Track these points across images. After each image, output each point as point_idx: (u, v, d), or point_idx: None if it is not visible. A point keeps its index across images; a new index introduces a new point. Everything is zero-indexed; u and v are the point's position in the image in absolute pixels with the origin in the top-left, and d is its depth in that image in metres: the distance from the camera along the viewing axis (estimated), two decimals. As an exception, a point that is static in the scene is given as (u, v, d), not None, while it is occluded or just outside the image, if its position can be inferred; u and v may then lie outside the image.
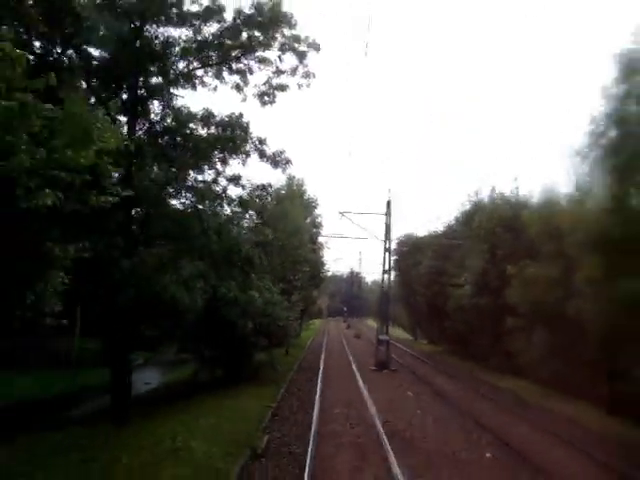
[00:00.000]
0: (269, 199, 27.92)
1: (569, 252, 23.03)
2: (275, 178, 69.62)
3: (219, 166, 25.78)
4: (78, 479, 12.07)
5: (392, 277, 73.30)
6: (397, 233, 75.45)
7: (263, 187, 27.51)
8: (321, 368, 34.30)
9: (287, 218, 33.97)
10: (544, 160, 40.59)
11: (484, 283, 35.96)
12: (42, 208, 7.35)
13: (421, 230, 58.92)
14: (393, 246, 54.30)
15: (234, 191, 26.07)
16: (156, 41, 23.53)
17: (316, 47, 26.29)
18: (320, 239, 56.80)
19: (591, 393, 23.69)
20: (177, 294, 18.60)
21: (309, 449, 14.66)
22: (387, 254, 39.04)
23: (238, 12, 25.20)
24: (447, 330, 46.87)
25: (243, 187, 25.81)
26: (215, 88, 26.03)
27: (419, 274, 56.33)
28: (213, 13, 25.13)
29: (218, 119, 25.53)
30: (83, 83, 18.86)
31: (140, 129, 23.05)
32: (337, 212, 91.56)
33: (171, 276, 19.25)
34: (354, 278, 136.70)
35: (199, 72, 25.43)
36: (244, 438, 15.64)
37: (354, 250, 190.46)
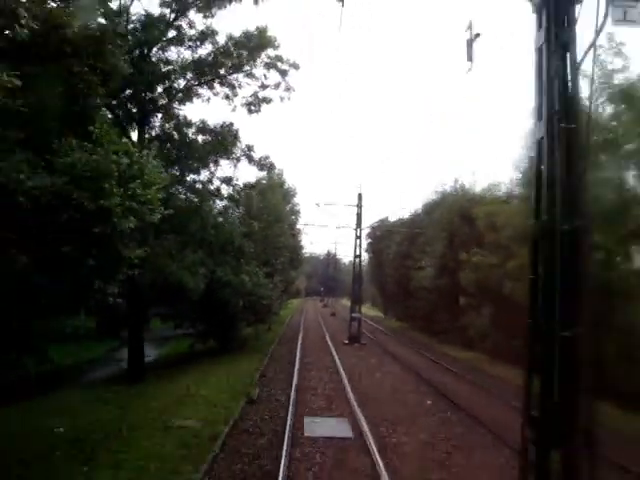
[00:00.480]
0: (254, 195, 32.53)
1: (504, 243, 27.89)
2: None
3: (213, 168, 30.30)
4: (123, 415, 16.47)
5: (366, 259, 78.51)
6: (374, 218, 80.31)
7: (250, 186, 32.15)
8: (299, 341, 38.89)
9: (269, 208, 38.52)
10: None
11: (443, 267, 40.74)
12: (127, 229, 11.69)
13: (393, 217, 63.43)
14: (367, 231, 59.25)
15: (226, 189, 30.71)
16: (161, 64, 27.81)
17: (296, 66, 30.93)
18: (298, 226, 61.71)
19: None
20: (184, 278, 23.04)
21: (291, 397, 19.20)
22: (358, 241, 43.84)
23: (230, 37, 29.56)
24: (412, 308, 51.96)
25: (234, 187, 30.37)
26: (208, 99, 30.49)
27: (389, 258, 61.36)
28: (207, 36, 29.47)
29: (212, 127, 30.04)
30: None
31: (148, 138, 27.26)
32: (313, 203, 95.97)
33: (177, 263, 23.69)
34: (330, 260, 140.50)
35: (196, 87, 29.97)
36: (241, 389, 20.18)
37: (332, 233, 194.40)
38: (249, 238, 30.48)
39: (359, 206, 42.90)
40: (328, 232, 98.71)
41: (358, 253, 44.47)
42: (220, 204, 29.95)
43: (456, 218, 40.05)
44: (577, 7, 7.80)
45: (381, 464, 12.06)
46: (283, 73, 30.58)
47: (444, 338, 41.82)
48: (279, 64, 30.36)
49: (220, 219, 28.15)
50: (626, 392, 16.80)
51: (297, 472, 11.77)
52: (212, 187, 29.93)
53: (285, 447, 13.01)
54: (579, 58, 7.57)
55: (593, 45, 7.61)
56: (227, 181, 30.23)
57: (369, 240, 73.80)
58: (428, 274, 43.66)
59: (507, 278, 27.61)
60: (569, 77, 7.74)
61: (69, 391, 21.38)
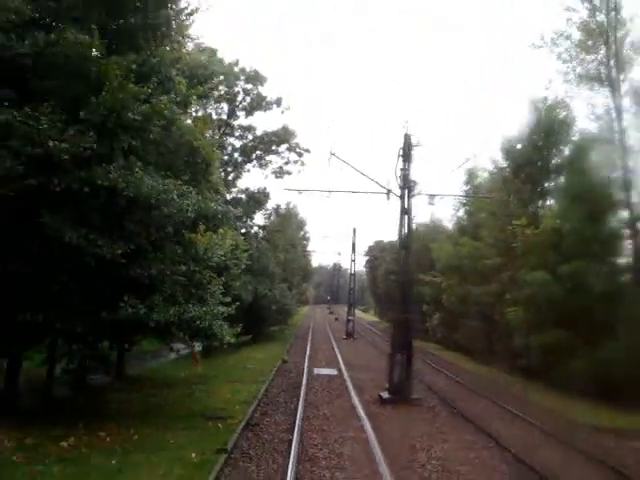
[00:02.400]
0: (280, 235, 47.29)
1: (443, 269, 42.45)
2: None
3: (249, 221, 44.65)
4: (217, 367, 30.62)
5: (365, 273, 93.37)
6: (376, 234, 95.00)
7: (277, 230, 47.04)
8: (310, 337, 53.16)
9: (287, 239, 53.24)
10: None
11: (418, 282, 55.25)
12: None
13: (387, 238, 78.57)
14: (365, 248, 74.22)
15: (261, 232, 45.29)
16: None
17: (308, 150, 45.51)
18: (309, 248, 77.05)
19: (456, 347, 43.03)
20: (241, 293, 37.28)
21: (305, 361, 33.37)
22: (353, 263, 58.43)
23: (265, 133, 44.26)
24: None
25: (267, 231, 45.12)
26: (248, 171, 45.20)
27: (381, 273, 76.03)
28: (249, 130, 44.16)
29: (253, 190, 44.57)
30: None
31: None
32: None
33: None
34: (335, 272, 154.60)
35: (242, 164, 44.59)
36: (277, 357, 34.50)
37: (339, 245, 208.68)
38: (277, 264, 45.09)
39: (353, 242, 57.79)
40: (335, 244, 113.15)
41: (353, 272, 59.09)
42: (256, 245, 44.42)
43: (422, 247, 54.29)
44: (413, 200, 22.36)
45: (349, 382, 26.19)
46: (299, 154, 45.29)
47: (416, 335, 56.24)
48: (297, 149, 45.11)
49: (257, 254, 42.42)
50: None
51: (310, 384, 25.69)
52: (252, 231, 44.43)
53: (305, 375, 27.16)
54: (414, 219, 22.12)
55: (408, 213, 22.13)
56: (263, 227, 44.95)
57: (367, 258, 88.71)
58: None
59: (444, 293, 42.05)
60: (406, 224, 22.27)
61: (173, 359, 35.52)
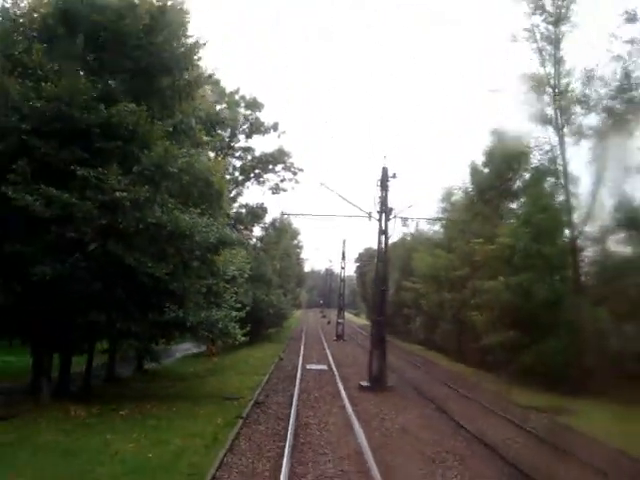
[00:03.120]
0: (276, 246, 51.80)
1: (422, 277, 47.10)
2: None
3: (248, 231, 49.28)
4: (221, 363, 35.13)
5: (356, 278, 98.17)
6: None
7: (275, 242, 51.54)
8: (303, 338, 57.70)
9: (282, 248, 57.85)
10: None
11: (398, 288, 59.87)
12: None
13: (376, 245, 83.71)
14: (355, 255, 79.09)
15: (259, 244, 49.81)
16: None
17: (301, 169, 50.14)
18: (302, 256, 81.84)
19: (434, 347, 47.73)
20: (242, 299, 41.82)
21: (300, 358, 37.90)
22: (343, 271, 63.22)
23: (263, 153, 48.86)
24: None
25: (265, 242, 49.65)
26: (248, 187, 49.78)
27: (369, 278, 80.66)
28: (249, 151, 48.75)
29: (252, 205, 49.15)
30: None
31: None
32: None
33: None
34: (328, 276, 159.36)
35: (242, 182, 49.11)
36: (274, 355, 39.05)
37: (332, 249, 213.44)
38: (273, 272, 49.68)
39: (343, 252, 62.61)
40: (328, 248, 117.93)
41: (343, 278, 63.90)
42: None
43: (407, 256, 59.03)
44: (391, 222, 27.05)
45: (336, 375, 30.70)
46: (294, 173, 49.98)
47: (399, 335, 60.97)
48: (292, 168, 49.81)
49: (256, 263, 46.96)
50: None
51: (304, 378, 30.05)
52: (252, 242, 48.98)
53: (300, 369, 31.68)
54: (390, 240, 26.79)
55: (385, 233, 26.84)
56: (260, 239, 49.57)
57: (357, 264, 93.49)
58: (390, 293, 63.05)
59: (423, 298, 46.75)
60: (383, 242, 26.95)
61: (182, 358, 39.96)
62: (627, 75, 26.29)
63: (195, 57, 22.25)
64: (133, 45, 19.75)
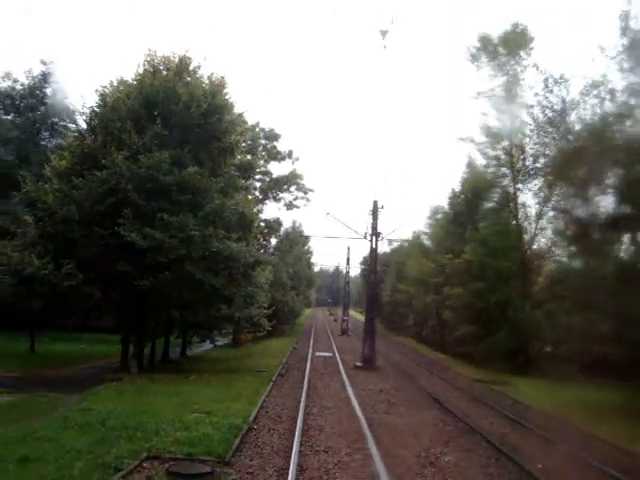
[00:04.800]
0: (290, 252, 59.88)
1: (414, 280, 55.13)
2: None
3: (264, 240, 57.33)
4: (246, 352, 43.29)
5: (361, 279, 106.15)
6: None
7: (289, 251, 59.68)
8: (312, 333, 65.89)
9: (294, 254, 66.03)
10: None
11: (393, 290, 68.02)
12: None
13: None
14: (360, 259, 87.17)
15: (277, 253, 57.91)
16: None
17: (311, 190, 58.24)
18: (312, 260, 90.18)
19: (423, 340, 55.72)
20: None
21: (310, 348, 46.03)
22: (347, 274, 71.27)
23: (279, 176, 56.98)
24: (383, 314, 79.74)
25: (281, 251, 57.79)
26: (266, 204, 57.94)
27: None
28: (267, 174, 56.88)
29: (268, 220, 57.24)
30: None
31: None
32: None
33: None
34: (337, 274, 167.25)
35: (261, 200, 57.17)
36: (289, 346, 47.22)
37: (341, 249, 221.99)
38: (287, 276, 57.90)
39: (348, 260, 70.68)
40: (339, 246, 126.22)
41: (347, 280, 72.03)
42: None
43: (403, 260, 67.12)
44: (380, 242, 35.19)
45: (338, 359, 38.76)
46: (305, 192, 58.15)
47: (395, 330, 69.12)
48: (303, 189, 57.99)
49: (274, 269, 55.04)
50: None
51: (313, 360, 38.07)
52: (270, 251, 57.10)
53: (310, 356, 39.75)
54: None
55: (375, 251, 34.98)
56: (277, 248, 57.79)
57: (362, 267, 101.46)
58: (388, 294, 71.21)
59: (413, 299, 54.84)
60: (374, 258, 35.07)
61: (211, 349, 48.04)
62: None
63: (237, 127, 30.51)
64: (195, 124, 27.86)
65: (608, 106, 24.32)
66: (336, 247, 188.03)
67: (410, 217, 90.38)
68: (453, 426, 18.25)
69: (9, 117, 51.28)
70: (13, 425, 13.95)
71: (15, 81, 50.31)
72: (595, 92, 25.70)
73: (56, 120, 52.82)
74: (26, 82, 50.18)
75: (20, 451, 11.00)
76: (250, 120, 53.54)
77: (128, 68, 30.36)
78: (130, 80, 29.27)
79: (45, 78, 50.24)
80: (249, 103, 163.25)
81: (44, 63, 49.85)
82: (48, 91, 50.89)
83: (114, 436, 12.83)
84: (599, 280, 22.43)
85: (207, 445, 12.70)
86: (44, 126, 53.17)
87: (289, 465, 11.67)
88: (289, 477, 10.81)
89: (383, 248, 67.01)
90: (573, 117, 28.41)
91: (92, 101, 28.69)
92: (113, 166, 25.16)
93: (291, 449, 13.08)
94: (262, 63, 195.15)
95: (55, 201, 25.44)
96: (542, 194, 36.43)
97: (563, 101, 32.40)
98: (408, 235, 61.74)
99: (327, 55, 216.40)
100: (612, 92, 24.19)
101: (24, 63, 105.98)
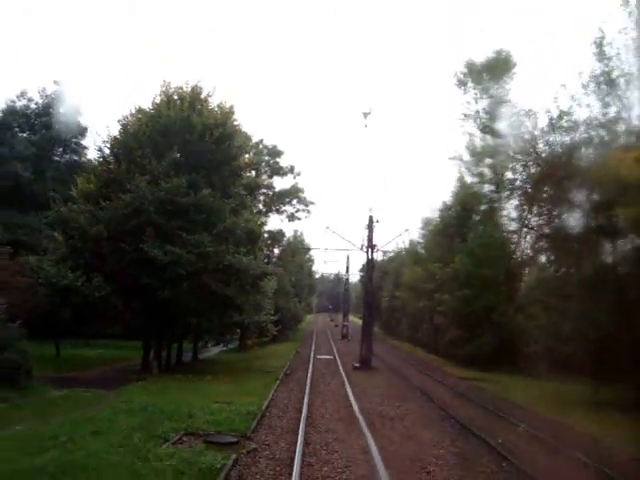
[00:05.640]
0: (293, 261, 62.97)
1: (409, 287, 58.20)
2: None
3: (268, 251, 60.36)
4: (255, 354, 46.33)
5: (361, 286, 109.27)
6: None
7: (291, 260, 62.78)
8: (314, 337, 68.91)
9: (296, 263, 69.13)
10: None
11: (391, 296, 71.07)
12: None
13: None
14: (359, 266, 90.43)
15: (280, 263, 61.00)
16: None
17: (312, 203, 61.34)
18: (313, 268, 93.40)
19: (417, 343, 58.75)
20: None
21: (311, 352, 49.02)
22: (346, 281, 74.34)
23: (281, 190, 60.10)
24: (381, 319, 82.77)
25: (284, 261, 60.88)
26: (269, 216, 61.03)
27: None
28: (270, 187, 59.99)
29: (272, 231, 60.33)
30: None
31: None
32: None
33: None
34: (338, 281, 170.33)
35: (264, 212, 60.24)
36: (292, 350, 50.24)
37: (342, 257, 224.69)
38: (290, 283, 61.00)
39: (347, 269, 73.90)
40: (337, 253, 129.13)
41: (347, 288, 75.22)
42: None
43: (400, 268, 70.22)
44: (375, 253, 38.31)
45: (338, 361, 41.75)
46: (306, 205, 61.29)
47: (393, 334, 72.15)
48: (305, 202, 61.13)
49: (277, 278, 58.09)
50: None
51: (315, 363, 40.95)
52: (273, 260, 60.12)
53: (312, 358, 42.69)
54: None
55: (371, 262, 38.09)
56: (279, 258, 60.88)
57: (361, 274, 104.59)
58: (386, 300, 74.32)
59: (407, 305, 57.90)
60: (370, 268, 38.18)
61: (219, 353, 51.00)
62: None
63: (245, 151, 33.68)
64: (208, 150, 31.00)
65: (573, 136, 27.36)
66: (336, 255, 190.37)
67: (405, 228, 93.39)
68: (435, 414, 21.24)
69: (25, 134, 54.56)
70: (73, 412, 16.98)
71: (30, 100, 53.65)
72: (562, 122, 28.65)
73: (69, 137, 56.11)
74: (40, 101, 53.46)
75: (90, 428, 14.07)
76: (254, 136, 56.76)
77: (128, 66, 33.70)
78: (147, 109, 32.44)
79: (58, 97, 53.41)
80: (250, 112, 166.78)
81: (57, 83, 52.92)
82: (61, 109, 53.98)
83: (156, 418, 15.86)
84: (564, 287, 25.46)
85: (231, 425, 15.77)
86: (58, 143, 56.36)
87: (297, 439, 14.63)
88: (297, 447, 13.77)
89: (381, 256, 69.92)
90: (541, 145, 31.18)
91: (104, 122, 32.01)
92: (137, 190, 28.19)
93: (298, 429, 16.08)
94: (263, 72, 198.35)
95: (85, 221, 28.47)
96: (520, 210, 39.45)
97: (532, 132, 35.14)
98: (404, 244, 65.09)
99: (328, 70, 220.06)
100: (576, 123, 27.19)
101: (35, 73, 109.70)
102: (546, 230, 29.63)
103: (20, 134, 54.05)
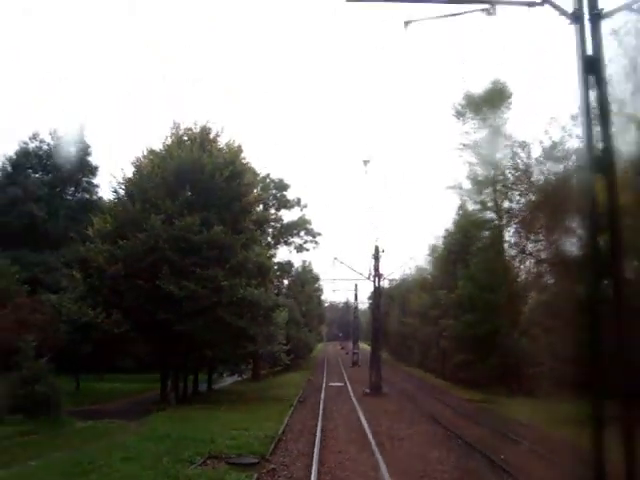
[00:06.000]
0: (302, 294, 64.25)
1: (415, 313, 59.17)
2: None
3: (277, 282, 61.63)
4: (270, 384, 47.36)
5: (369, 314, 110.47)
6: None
7: (301, 291, 64.02)
8: (325, 366, 69.81)
9: (306, 293, 70.36)
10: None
11: (400, 322, 72.05)
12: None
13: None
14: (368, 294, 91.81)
15: (290, 295, 62.20)
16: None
17: (319, 234, 62.72)
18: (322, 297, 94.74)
19: (428, 368, 59.62)
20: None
21: (324, 379, 49.96)
22: (355, 310, 75.44)
23: (289, 222, 61.55)
24: (390, 345, 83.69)
25: (293, 293, 62.15)
26: (278, 247, 62.41)
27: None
28: (278, 220, 61.46)
29: (281, 262, 61.63)
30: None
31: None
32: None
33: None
34: (347, 308, 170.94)
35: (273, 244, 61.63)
36: (305, 378, 51.23)
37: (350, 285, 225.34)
38: (300, 313, 62.16)
39: (355, 297, 75.24)
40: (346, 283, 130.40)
41: (356, 315, 76.38)
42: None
43: (407, 294, 71.34)
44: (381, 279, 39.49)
45: (349, 388, 42.71)
46: (313, 236, 62.70)
47: (403, 360, 72.97)
48: (312, 233, 62.56)
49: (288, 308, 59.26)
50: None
51: (327, 390, 41.86)
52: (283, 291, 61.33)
53: (324, 386, 43.66)
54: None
55: (378, 290, 39.26)
56: (289, 288, 62.16)
57: (369, 302, 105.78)
58: (394, 326, 75.39)
59: (416, 331, 58.84)
60: (377, 296, 39.38)
61: (232, 383, 51.92)
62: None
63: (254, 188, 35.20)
64: (219, 189, 32.45)
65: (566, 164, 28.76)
66: (345, 284, 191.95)
67: (409, 256, 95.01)
68: (442, 434, 22.32)
69: (37, 175, 56.40)
70: (102, 441, 18.18)
71: (42, 141, 55.78)
72: (554, 152, 30.06)
73: (80, 176, 57.95)
74: (52, 142, 55.65)
75: (121, 454, 15.22)
76: (261, 171, 58.33)
77: (128, 67, 35.53)
78: (158, 150, 34.06)
79: (69, 139, 55.41)
80: (255, 145, 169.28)
81: (67, 125, 54.92)
82: (72, 150, 55.86)
83: (180, 444, 16.99)
84: (562, 310, 26.56)
85: (250, 448, 16.91)
86: (70, 182, 58.20)
87: (312, 460, 15.77)
88: (313, 466, 14.91)
89: (387, 283, 71.06)
90: (536, 174, 32.53)
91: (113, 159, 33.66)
92: (152, 229, 29.60)
93: (313, 451, 17.20)
94: (263, 72, 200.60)
95: (104, 260, 29.86)
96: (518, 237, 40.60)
97: (526, 162, 36.16)
98: (411, 270, 66.17)
99: (327, 98, 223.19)
100: (568, 152, 28.60)
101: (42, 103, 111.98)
102: (543, 256, 30.76)
103: (33, 175, 55.88)
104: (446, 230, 51.81)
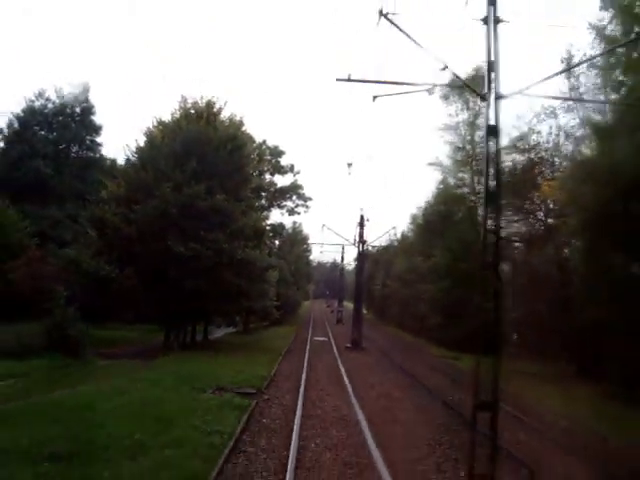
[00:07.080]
0: (291, 254, 67.96)
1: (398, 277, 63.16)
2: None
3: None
4: (261, 336, 51.39)
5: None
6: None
7: (290, 251, 67.78)
8: (311, 322, 73.93)
9: (295, 253, 74.16)
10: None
11: (383, 285, 76.15)
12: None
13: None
14: (354, 256, 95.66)
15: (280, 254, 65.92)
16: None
17: (310, 199, 66.22)
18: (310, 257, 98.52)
19: (404, 327, 63.91)
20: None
21: (309, 334, 53.96)
22: (341, 270, 79.33)
23: (282, 186, 64.94)
24: (374, 305, 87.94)
25: (281, 249, 65.80)
26: (271, 210, 65.89)
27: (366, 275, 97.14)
28: (272, 184, 64.78)
29: (273, 224, 65.23)
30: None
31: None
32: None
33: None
34: (334, 268, 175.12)
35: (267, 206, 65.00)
36: (292, 332, 55.29)
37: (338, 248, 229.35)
38: (289, 273, 66.04)
39: (342, 259, 78.87)
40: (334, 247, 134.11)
41: (342, 274, 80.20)
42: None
43: (393, 259, 75.23)
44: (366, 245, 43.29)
45: (332, 342, 46.69)
46: (305, 200, 66.24)
47: (385, 320, 77.34)
48: (303, 197, 66.05)
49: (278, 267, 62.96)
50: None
51: (312, 343, 45.62)
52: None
53: (309, 340, 47.62)
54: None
55: (363, 256, 43.09)
56: (279, 248, 65.89)
57: (355, 262, 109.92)
58: (378, 287, 79.50)
59: (391, 290, 62.90)
60: (361, 261, 43.20)
61: (224, 335, 55.91)
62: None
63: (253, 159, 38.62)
64: (222, 161, 35.80)
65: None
66: (332, 247, 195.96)
67: (392, 225, 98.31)
68: (408, 381, 26.30)
69: (43, 133, 58.65)
70: (125, 375, 21.97)
71: (47, 99, 57.73)
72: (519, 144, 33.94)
73: (84, 134, 60.41)
74: (57, 100, 57.94)
75: (146, 383, 19.05)
76: (257, 137, 61.22)
77: (127, 66, 38.76)
78: (167, 121, 37.32)
79: (75, 97, 57.74)
80: (249, 107, 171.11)
81: (72, 85, 57.18)
82: (77, 109, 58.35)
83: (192, 378, 20.82)
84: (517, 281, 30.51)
85: (249, 384, 20.82)
86: (74, 141, 60.65)
87: (298, 394, 19.67)
88: (299, 398, 18.82)
89: (372, 249, 74.80)
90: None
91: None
92: (162, 196, 32.99)
93: (299, 388, 21.11)
94: (263, 71, 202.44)
95: (120, 221, 33.29)
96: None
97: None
98: (397, 236, 69.90)
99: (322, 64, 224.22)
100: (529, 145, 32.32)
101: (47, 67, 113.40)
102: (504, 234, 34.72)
103: (39, 132, 57.99)
104: (426, 202, 55.40)
